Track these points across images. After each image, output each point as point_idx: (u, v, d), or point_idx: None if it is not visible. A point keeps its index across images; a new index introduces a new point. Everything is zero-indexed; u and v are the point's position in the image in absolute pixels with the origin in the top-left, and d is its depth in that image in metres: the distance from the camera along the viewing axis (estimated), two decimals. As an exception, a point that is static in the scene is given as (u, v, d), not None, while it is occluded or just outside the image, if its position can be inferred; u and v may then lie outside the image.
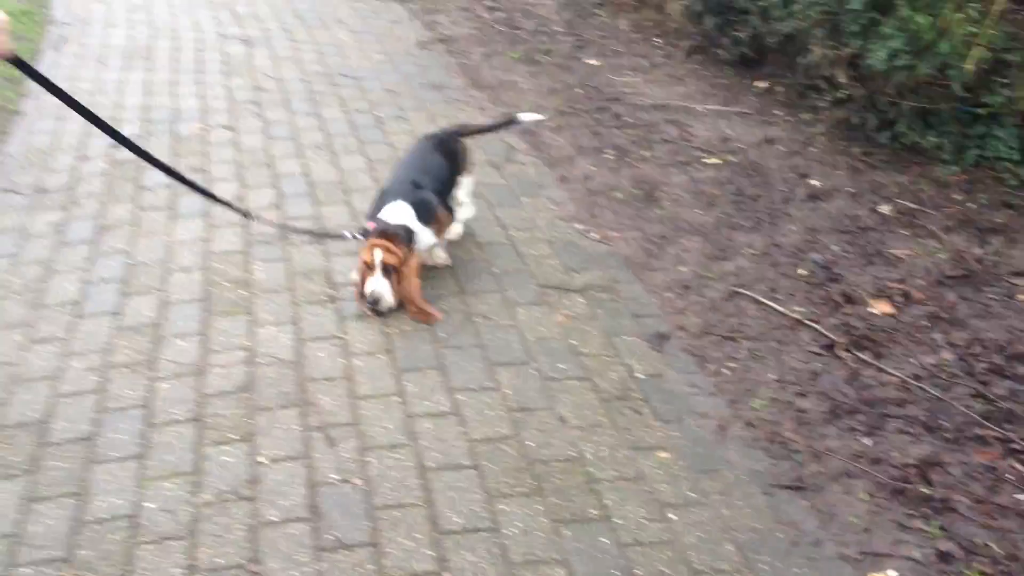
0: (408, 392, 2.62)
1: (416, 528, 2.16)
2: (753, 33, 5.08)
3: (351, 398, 2.59)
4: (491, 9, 6.84)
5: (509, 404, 2.59)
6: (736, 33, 5.25)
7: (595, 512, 2.23)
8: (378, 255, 2.94)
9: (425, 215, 3.07)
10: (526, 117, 3.72)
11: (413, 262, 3.01)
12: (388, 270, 2.95)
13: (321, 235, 3.41)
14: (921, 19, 3.77)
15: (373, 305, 2.96)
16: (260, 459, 2.35)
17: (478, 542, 2.12)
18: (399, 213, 3.03)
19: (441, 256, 3.32)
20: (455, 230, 3.45)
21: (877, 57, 3.96)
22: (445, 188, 3.26)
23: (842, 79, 4.30)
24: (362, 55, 5.68)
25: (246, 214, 3.28)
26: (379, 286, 2.94)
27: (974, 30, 3.62)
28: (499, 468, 2.35)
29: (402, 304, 3.02)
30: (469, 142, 3.50)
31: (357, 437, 2.44)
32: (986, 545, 2.17)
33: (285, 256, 3.32)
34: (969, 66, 3.63)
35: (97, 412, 2.52)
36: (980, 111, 3.99)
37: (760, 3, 4.82)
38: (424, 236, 3.09)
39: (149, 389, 2.61)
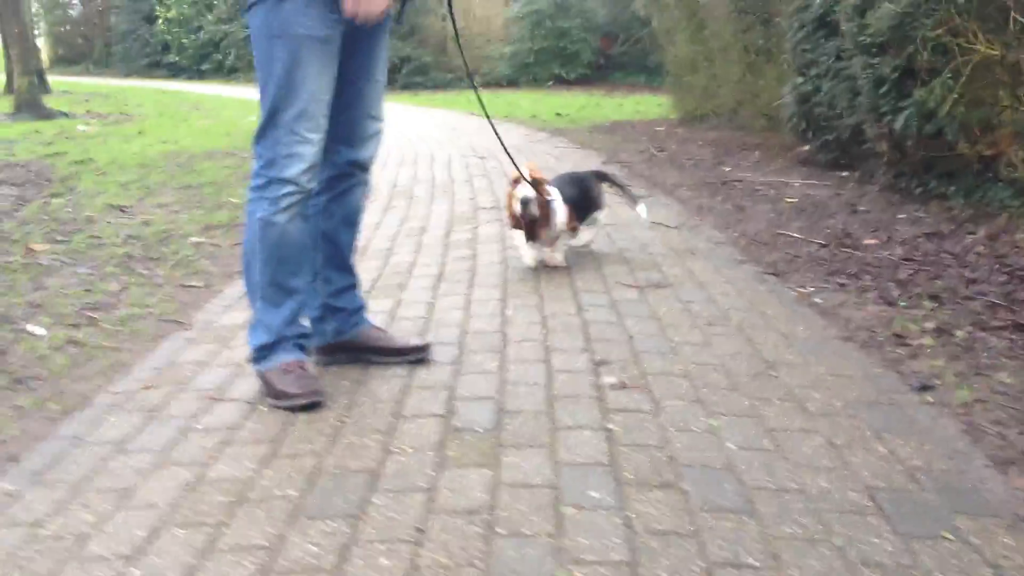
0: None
1: (577, 363, 4.14)
2: (835, 135, 7.10)
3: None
4: (660, 151, 9.21)
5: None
6: (826, 138, 7.28)
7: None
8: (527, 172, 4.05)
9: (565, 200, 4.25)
10: (643, 211, 4.84)
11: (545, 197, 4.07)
12: (536, 183, 4.03)
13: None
14: (924, 94, 5.71)
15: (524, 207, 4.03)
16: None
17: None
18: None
19: (557, 259, 4.33)
20: (584, 237, 4.55)
21: (898, 124, 5.88)
22: (578, 206, 4.35)
23: (884, 148, 6.21)
24: (558, 168, 8.11)
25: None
26: (528, 190, 4.01)
27: (954, 95, 5.52)
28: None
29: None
30: (605, 188, 4.71)
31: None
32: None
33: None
34: (943, 116, 5.49)
35: (425, 328, 4.74)
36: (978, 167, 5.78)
37: (836, 110, 6.87)
38: (559, 207, 4.18)
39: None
